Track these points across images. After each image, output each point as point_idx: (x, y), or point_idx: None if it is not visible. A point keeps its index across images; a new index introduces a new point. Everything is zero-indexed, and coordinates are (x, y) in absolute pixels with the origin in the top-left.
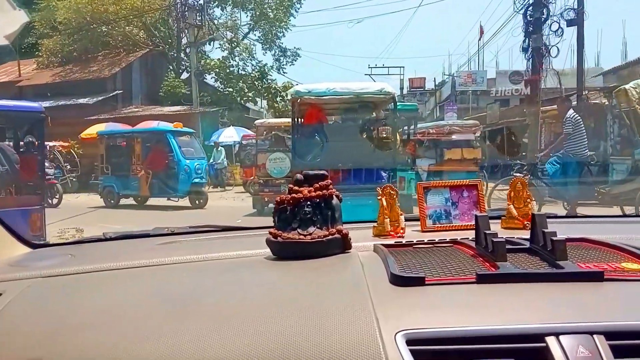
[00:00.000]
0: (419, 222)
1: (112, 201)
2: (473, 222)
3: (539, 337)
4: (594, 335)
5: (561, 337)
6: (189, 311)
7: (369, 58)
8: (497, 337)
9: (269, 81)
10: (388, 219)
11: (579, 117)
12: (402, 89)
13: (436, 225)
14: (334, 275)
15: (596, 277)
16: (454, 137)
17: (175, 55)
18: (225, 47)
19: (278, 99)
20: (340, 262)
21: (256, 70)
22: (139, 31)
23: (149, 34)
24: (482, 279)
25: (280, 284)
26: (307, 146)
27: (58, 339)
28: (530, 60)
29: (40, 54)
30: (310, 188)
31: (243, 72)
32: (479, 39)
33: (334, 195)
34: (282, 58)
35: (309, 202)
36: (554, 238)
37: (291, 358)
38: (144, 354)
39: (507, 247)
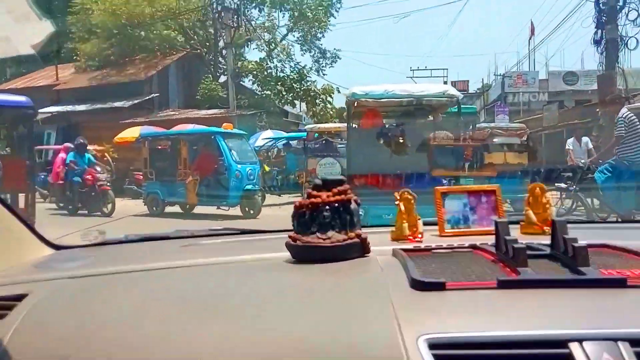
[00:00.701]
0: (436, 227)
1: (157, 209)
2: (491, 228)
3: (562, 343)
4: (618, 342)
5: (585, 344)
6: (212, 312)
7: (411, 57)
8: (520, 342)
9: (308, 83)
10: (406, 224)
11: (634, 118)
12: None
13: (454, 230)
14: (354, 279)
15: (619, 283)
16: (495, 140)
17: (212, 58)
18: (262, 49)
19: (317, 101)
20: (359, 266)
21: (295, 72)
22: (176, 34)
23: (186, 37)
24: (503, 285)
25: (302, 287)
26: (363, 150)
27: (85, 338)
28: (604, 53)
29: (78, 57)
30: (329, 193)
31: (281, 74)
32: (530, 38)
33: (352, 200)
34: (321, 60)
35: (327, 207)
36: (575, 244)
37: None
38: (170, 354)
39: (527, 252)
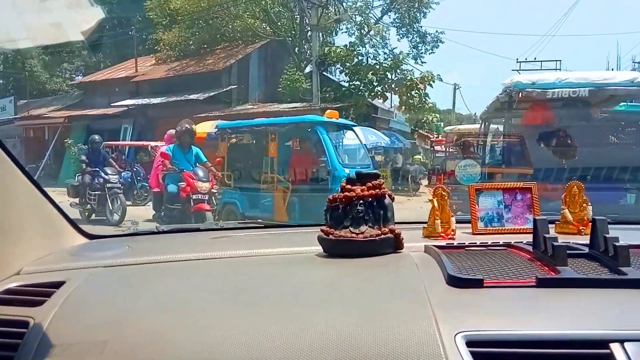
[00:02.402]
0: (469, 225)
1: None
2: (526, 226)
3: (603, 343)
4: None
5: (626, 344)
6: (244, 304)
7: (521, 45)
8: (559, 342)
9: (404, 72)
10: (439, 220)
11: None
12: None
13: (488, 228)
14: (389, 275)
15: None
16: None
17: (296, 45)
18: (353, 33)
19: (414, 92)
20: (393, 262)
21: (389, 59)
22: (260, 23)
23: (269, 23)
24: (542, 283)
25: (336, 281)
26: (520, 152)
27: (122, 324)
28: None
29: (158, 48)
30: (363, 187)
31: (374, 62)
32: None
33: (386, 195)
34: (420, 45)
35: (361, 201)
36: (617, 244)
37: (350, 354)
38: (205, 341)
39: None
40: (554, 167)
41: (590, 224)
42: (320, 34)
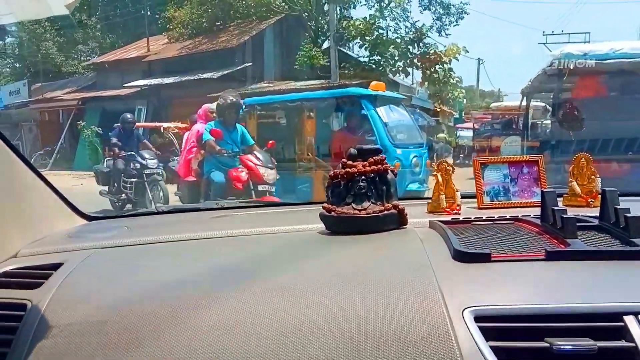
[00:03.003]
0: (475, 200)
1: None
2: (533, 199)
3: (617, 316)
4: None
5: None
6: (245, 283)
7: (548, 15)
8: (571, 315)
9: (427, 46)
10: (444, 195)
11: None
12: None
13: (494, 203)
14: (394, 250)
15: None
16: None
17: (313, 20)
18: (372, 5)
19: (438, 67)
20: (398, 238)
21: (411, 32)
22: None
23: None
24: (551, 256)
25: (340, 257)
26: (577, 128)
27: (121, 305)
28: None
29: (170, 26)
30: (365, 162)
31: (395, 36)
32: None
33: (389, 170)
34: (444, 17)
35: (363, 177)
36: (628, 215)
37: (356, 331)
38: (204, 321)
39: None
40: (611, 139)
41: (600, 196)
42: (338, 7)
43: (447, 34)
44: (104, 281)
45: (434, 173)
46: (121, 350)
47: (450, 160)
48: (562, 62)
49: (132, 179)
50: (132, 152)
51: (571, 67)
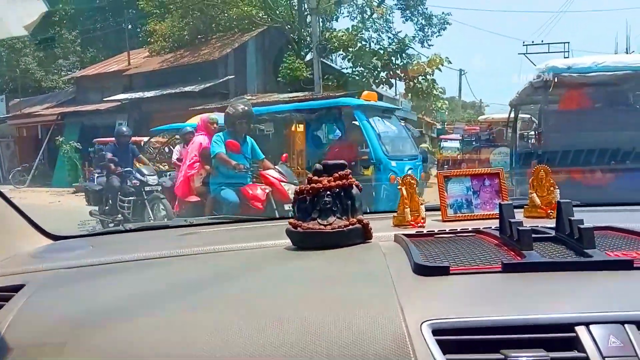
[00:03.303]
0: (439, 212)
1: None
2: (495, 212)
3: (569, 327)
4: (625, 325)
5: (592, 327)
6: (210, 301)
7: (528, 25)
8: (526, 327)
9: (410, 57)
10: (408, 209)
11: None
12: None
13: (457, 215)
14: (356, 265)
15: (625, 265)
16: None
17: (296, 32)
18: (355, 17)
19: (420, 78)
20: (361, 252)
21: (394, 43)
22: (257, 10)
23: (267, 10)
24: (508, 268)
25: (303, 273)
26: (564, 137)
27: (82, 326)
28: None
29: (151, 40)
30: (330, 178)
31: (378, 47)
32: None
33: (353, 185)
34: (426, 27)
35: (328, 192)
36: (581, 226)
37: (316, 348)
38: (167, 342)
39: (532, 235)
40: (594, 150)
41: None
42: (320, 18)
43: (429, 45)
44: (66, 302)
45: (399, 187)
46: None
47: (434, 171)
48: (547, 76)
49: (130, 197)
50: (129, 168)
51: (556, 80)
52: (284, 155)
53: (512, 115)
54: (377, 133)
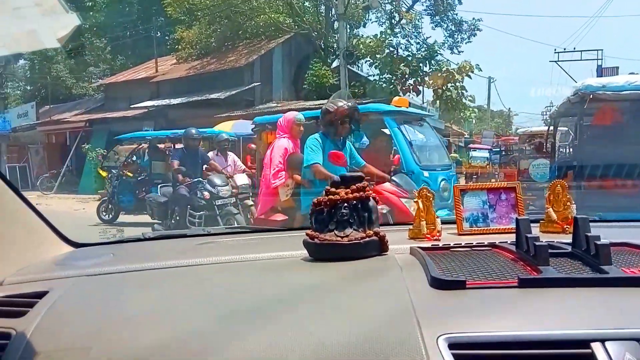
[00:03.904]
0: (455, 226)
1: None
2: (511, 226)
3: (584, 343)
4: None
5: (607, 343)
6: (228, 310)
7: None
8: (541, 342)
9: (439, 63)
10: (424, 222)
11: None
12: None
13: (473, 229)
14: (373, 277)
15: None
16: None
17: (323, 38)
18: (383, 22)
19: (450, 85)
20: (378, 265)
21: (422, 49)
22: (284, 16)
23: (293, 16)
24: (524, 284)
25: (320, 285)
26: (597, 152)
27: (105, 333)
28: None
29: (179, 47)
30: (347, 190)
31: (406, 53)
32: None
33: (370, 197)
34: (456, 33)
35: (345, 204)
36: (598, 242)
37: (332, 359)
38: (188, 350)
39: (549, 251)
40: (624, 164)
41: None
42: (348, 24)
43: (459, 51)
44: (89, 309)
45: (415, 200)
46: None
47: (463, 182)
48: (583, 93)
49: (201, 212)
50: (200, 178)
51: (591, 97)
52: (397, 157)
53: (552, 127)
54: (409, 141)
